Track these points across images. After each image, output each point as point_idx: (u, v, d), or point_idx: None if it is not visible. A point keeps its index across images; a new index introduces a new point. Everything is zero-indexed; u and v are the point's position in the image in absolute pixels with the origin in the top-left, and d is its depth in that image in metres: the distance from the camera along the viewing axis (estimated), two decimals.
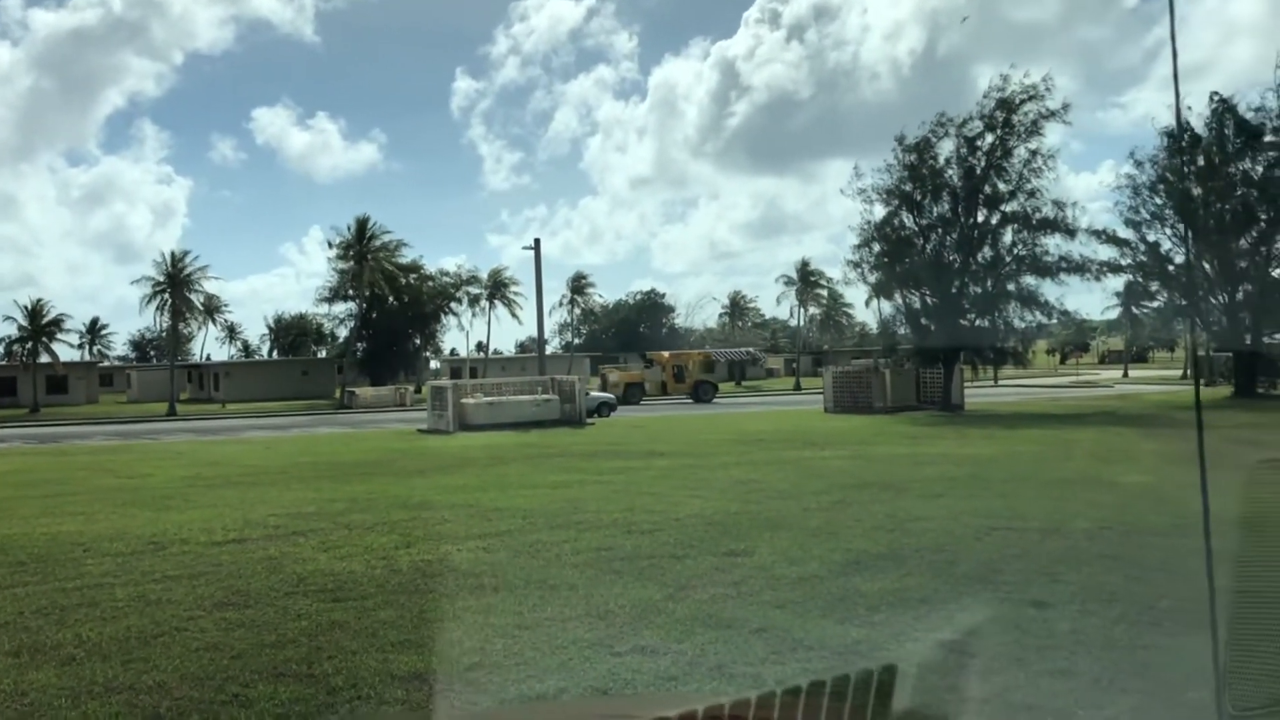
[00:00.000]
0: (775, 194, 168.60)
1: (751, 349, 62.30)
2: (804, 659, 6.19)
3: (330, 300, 74.90)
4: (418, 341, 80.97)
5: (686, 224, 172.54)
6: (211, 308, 78.92)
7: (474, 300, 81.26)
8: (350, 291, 71.05)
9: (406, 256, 73.79)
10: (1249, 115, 41.55)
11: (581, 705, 4.95)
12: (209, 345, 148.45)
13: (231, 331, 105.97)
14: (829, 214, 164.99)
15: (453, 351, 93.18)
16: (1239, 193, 41.88)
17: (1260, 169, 42.06)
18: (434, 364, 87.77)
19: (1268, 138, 41.28)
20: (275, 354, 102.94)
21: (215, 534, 11.85)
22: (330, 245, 70.82)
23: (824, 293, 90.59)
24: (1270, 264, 42.47)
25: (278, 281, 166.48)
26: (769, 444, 23.74)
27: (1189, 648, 6.14)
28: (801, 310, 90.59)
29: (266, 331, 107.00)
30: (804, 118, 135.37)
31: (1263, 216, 41.70)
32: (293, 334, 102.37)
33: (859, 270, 43.61)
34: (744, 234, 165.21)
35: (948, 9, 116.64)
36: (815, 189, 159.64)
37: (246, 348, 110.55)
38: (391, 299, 72.63)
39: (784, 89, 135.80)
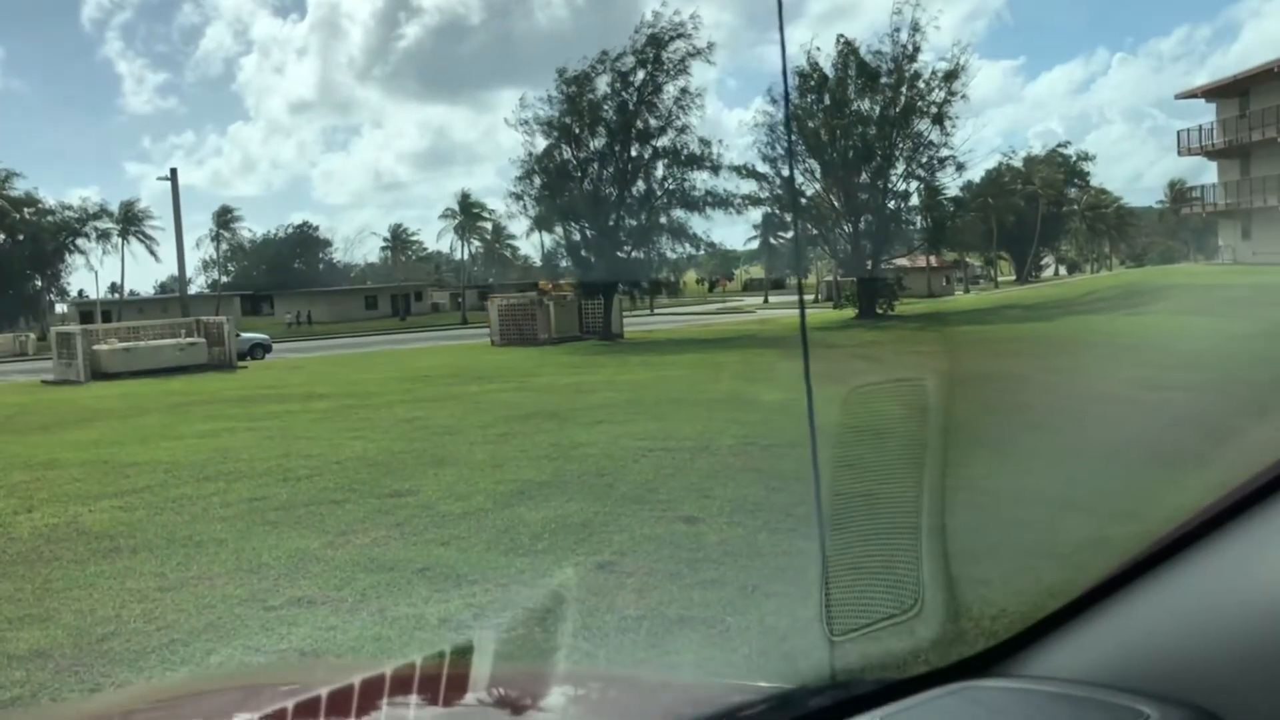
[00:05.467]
0: (445, 123, 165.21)
1: None
2: (467, 594, 6.17)
3: None
4: (39, 283, 72.79)
5: (349, 153, 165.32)
6: None
7: (104, 236, 74.06)
8: None
9: (20, 189, 65.78)
10: (869, 58, 45.52)
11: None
12: None
13: None
14: (500, 145, 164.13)
15: (81, 293, 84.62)
16: (859, 130, 45.91)
17: (877, 109, 46.27)
18: (60, 308, 79.39)
19: (883, 80, 45.44)
20: None
21: None
22: None
23: (488, 226, 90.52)
24: (887, 197, 47.07)
25: None
26: (435, 380, 23.47)
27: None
28: (464, 244, 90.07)
29: None
30: (476, 43, 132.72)
31: (879, 154, 46.03)
32: None
33: (521, 203, 43.93)
34: (411, 164, 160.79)
35: None
36: (487, 118, 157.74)
37: None
38: (4, 236, 64.65)
39: (455, 12, 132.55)
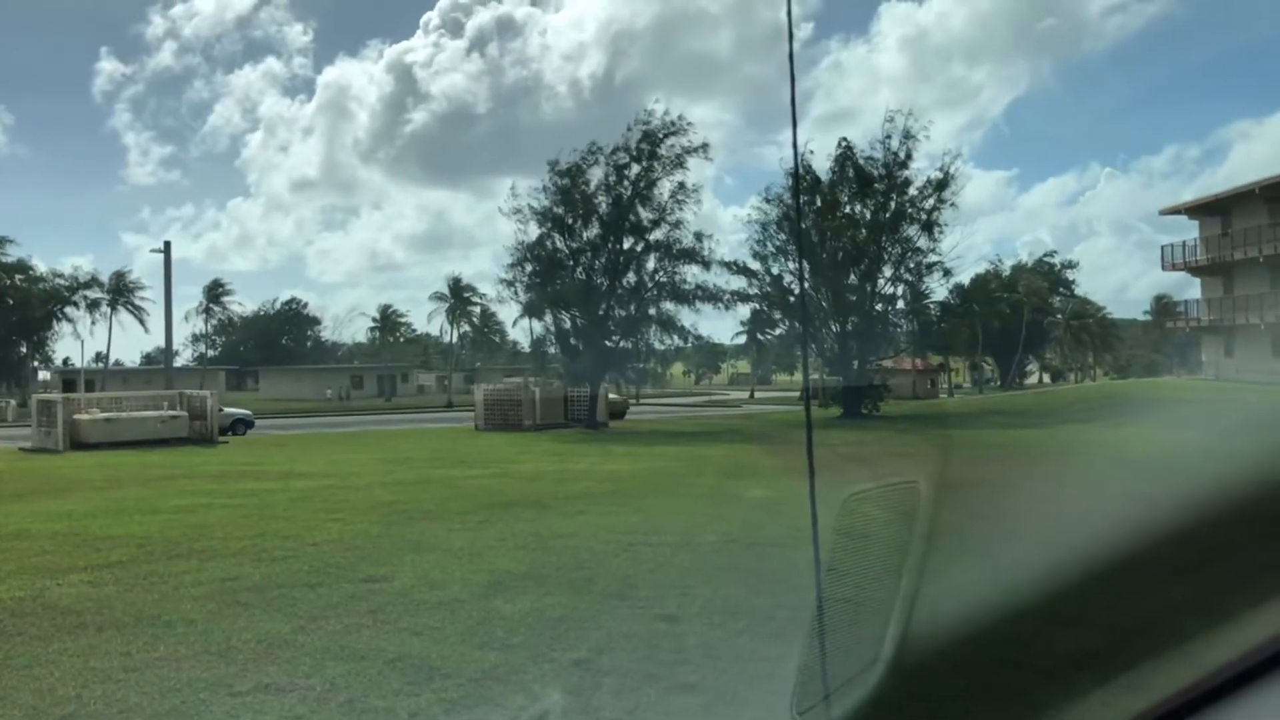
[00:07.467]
0: (445, 207, 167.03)
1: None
2: (439, 688, 6.02)
3: None
4: (24, 350, 72.49)
5: (347, 233, 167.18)
6: None
7: (93, 305, 73.95)
8: None
9: (13, 255, 65.99)
10: (864, 163, 46.41)
11: None
12: None
13: None
14: (498, 231, 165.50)
15: (66, 361, 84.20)
16: (849, 233, 46.60)
17: (868, 213, 47.04)
18: (44, 375, 78.96)
19: (875, 185, 46.29)
20: None
21: None
22: None
23: (477, 310, 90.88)
24: (874, 299, 47.55)
25: None
26: (416, 463, 23.30)
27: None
28: (453, 327, 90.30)
29: None
30: (481, 131, 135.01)
31: (868, 256, 46.65)
32: None
33: (512, 289, 44.32)
34: (408, 246, 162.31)
35: (628, 34, 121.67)
36: (487, 204, 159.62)
37: None
38: None
39: (463, 100, 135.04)
